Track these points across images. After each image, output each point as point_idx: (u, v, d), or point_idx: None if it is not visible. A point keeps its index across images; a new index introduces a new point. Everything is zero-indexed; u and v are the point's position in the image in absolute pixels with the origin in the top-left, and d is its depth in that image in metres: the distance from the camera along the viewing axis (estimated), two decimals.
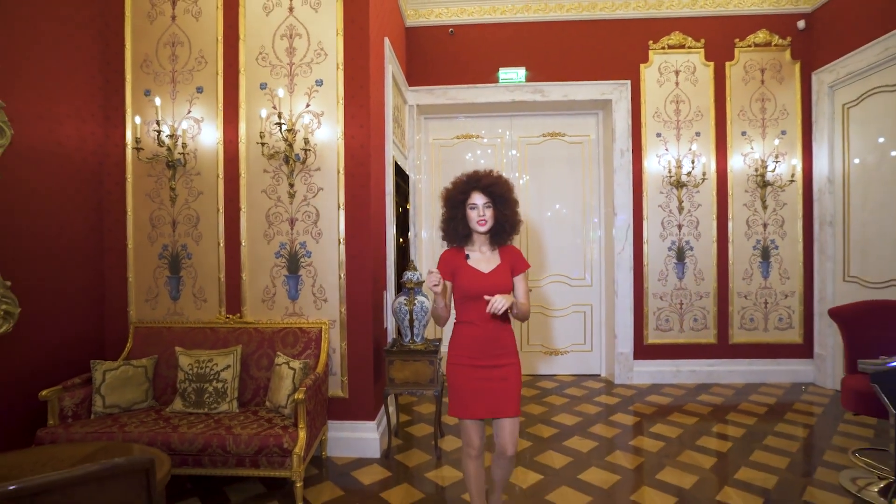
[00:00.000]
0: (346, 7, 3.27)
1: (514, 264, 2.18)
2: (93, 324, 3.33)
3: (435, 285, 1.94)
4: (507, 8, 4.92)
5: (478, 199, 2.10)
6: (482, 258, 2.17)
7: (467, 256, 2.16)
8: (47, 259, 2.96)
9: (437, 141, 5.30)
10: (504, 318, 2.13)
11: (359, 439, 3.24)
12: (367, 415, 3.27)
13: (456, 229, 2.15)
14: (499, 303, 1.91)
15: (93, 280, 3.34)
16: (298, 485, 2.54)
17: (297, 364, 2.87)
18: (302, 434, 2.58)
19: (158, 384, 3.15)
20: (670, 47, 4.86)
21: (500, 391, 2.07)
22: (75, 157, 3.20)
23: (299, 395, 2.59)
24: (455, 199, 2.14)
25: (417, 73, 4.98)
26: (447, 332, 3.86)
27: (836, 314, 3.06)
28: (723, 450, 3.29)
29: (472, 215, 2.11)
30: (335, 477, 2.97)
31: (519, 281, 2.17)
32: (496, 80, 4.94)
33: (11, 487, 0.94)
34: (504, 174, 2.24)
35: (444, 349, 4.15)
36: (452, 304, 2.22)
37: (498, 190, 2.10)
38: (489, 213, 2.10)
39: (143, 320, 3.41)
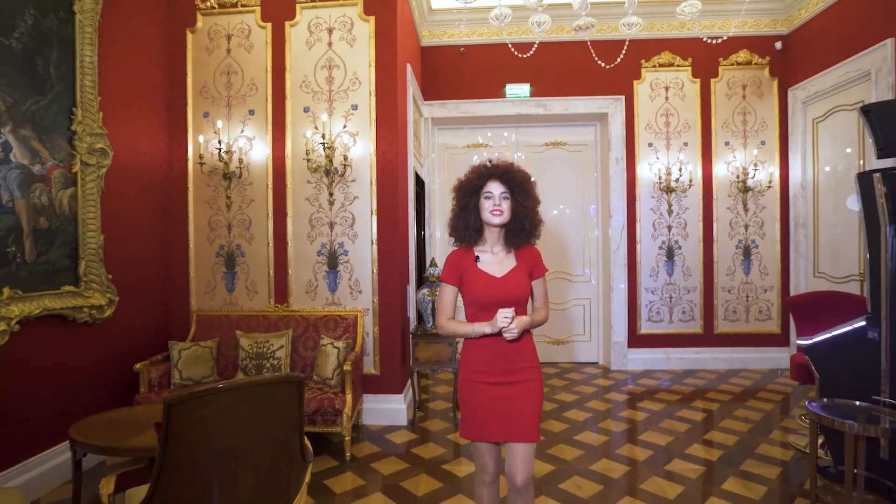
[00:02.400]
0: (378, 43, 3.98)
1: (534, 267, 2.00)
2: (161, 311, 4.06)
3: (507, 328, 1.81)
4: (512, 30, 5.62)
5: (494, 187, 1.92)
6: (494, 260, 1.97)
7: (477, 258, 1.96)
8: (130, 256, 3.69)
9: (449, 150, 6.01)
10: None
11: (389, 410, 3.96)
12: (396, 389, 3.99)
13: (467, 222, 1.95)
14: (512, 332, 1.81)
15: (160, 274, 4.07)
16: (347, 438, 3.26)
17: (340, 344, 3.58)
18: (349, 398, 3.30)
19: (220, 362, 3.87)
20: (661, 66, 5.56)
21: (515, 411, 1.88)
22: (148, 171, 3.92)
23: (347, 367, 3.31)
24: (470, 186, 1.96)
25: (432, 89, 5.68)
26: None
27: (790, 303, 3.76)
28: (697, 419, 4.00)
29: (487, 205, 1.92)
30: (371, 439, 3.69)
31: (538, 286, 2.01)
32: (503, 96, 5.65)
33: (220, 386, 1.64)
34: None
35: None
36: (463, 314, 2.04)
37: (516, 178, 1.93)
38: (506, 204, 1.91)
39: (203, 309, 4.13)
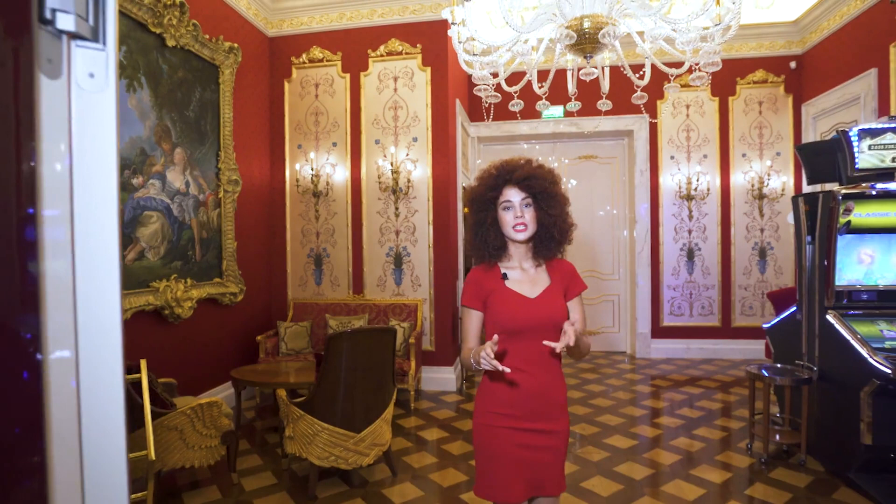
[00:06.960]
0: (433, 88, 5.39)
1: (569, 285, 1.80)
2: (266, 298, 5.66)
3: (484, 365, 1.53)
4: (549, 58, 6.89)
5: (513, 195, 1.72)
6: (525, 278, 1.78)
7: (505, 276, 1.77)
8: (249, 257, 5.28)
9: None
10: (557, 361, 1.75)
11: (442, 378, 5.37)
12: (447, 362, 5.39)
13: (486, 239, 1.77)
14: (569, 336, 1.52)
15: (265, 270, 5.66)
16: (412, 393, 4.70)
17: (405, 324, 5.02)
18: (413, 363, 4.73)
19: (313, 338, 5.40)
20: (682, 86, 6.66)
21: (547, 462, 1.71)
22: (257, 192, 5.52)
23: (412, 340, 4.74)
24: (483, 198, 1.77)
25: (477, 111, 7.04)
26: None
27: (770, 295, 4.85)
28: (696, 392, 5.17)
29: (507, 218, 1.73)
30: (428, 398, 5.11)
31: (575, 307, 1.80)
32: (540, 116, 6.93)
33: (349, 331, 3.08)
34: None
35: None
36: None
37: (539, 183, 1.72)
38: (529, 214, 1.72)
39: (297, 298, 5.69)
